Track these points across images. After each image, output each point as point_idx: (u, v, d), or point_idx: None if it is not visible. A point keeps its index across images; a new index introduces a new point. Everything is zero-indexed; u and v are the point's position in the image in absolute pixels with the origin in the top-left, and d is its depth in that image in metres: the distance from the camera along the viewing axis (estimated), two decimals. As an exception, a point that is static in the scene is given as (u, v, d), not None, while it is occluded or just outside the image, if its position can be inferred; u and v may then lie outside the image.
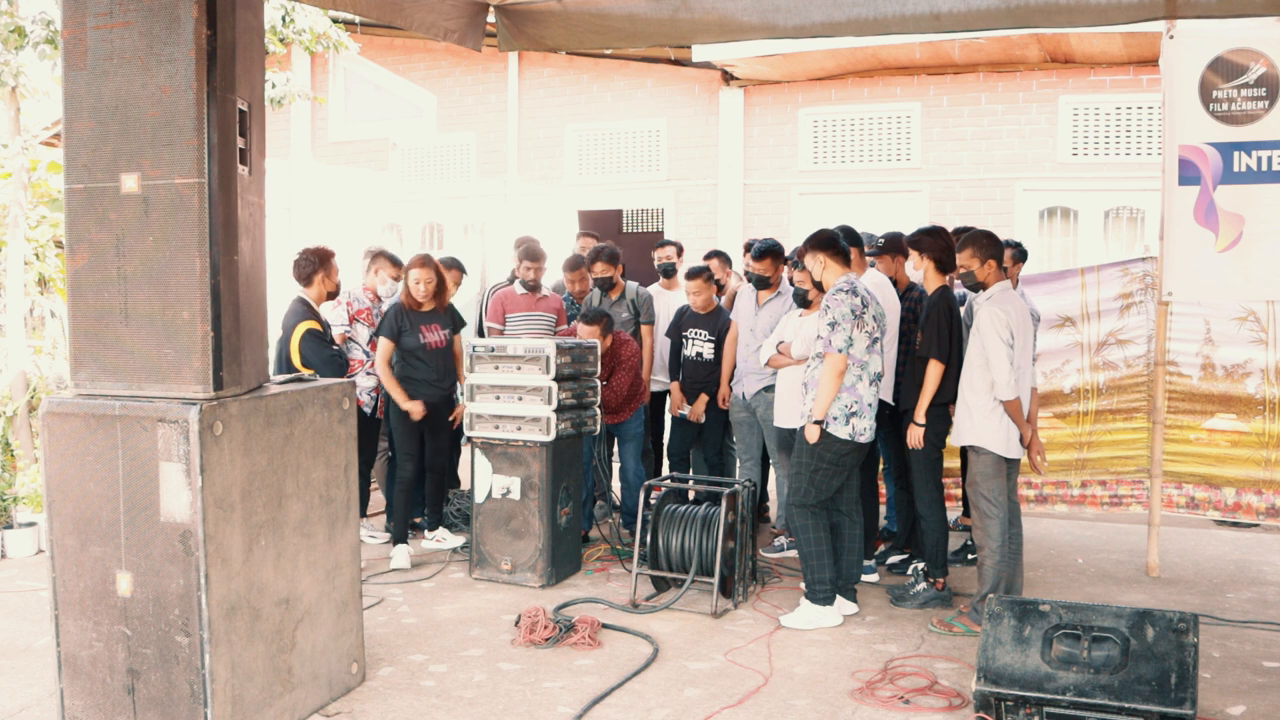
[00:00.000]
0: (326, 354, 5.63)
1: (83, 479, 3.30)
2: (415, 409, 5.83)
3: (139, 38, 3.19)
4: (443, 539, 6.07)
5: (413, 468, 5.97)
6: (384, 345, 5.86)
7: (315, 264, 5.72)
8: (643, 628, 4.75)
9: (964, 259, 4.84)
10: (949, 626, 4.76)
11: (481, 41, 5.26)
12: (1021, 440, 4.79)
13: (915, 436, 5.04)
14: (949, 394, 4.95)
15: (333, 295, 5.89)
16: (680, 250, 7.33)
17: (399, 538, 5.88)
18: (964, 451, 4.92)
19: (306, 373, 5.43)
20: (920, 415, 5.01)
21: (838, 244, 4.90)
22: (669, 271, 7.02)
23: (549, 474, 5.43)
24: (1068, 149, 9.01)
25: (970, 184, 9.27)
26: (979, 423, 4.73)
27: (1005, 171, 9.17)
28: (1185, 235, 5.56)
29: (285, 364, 5.62)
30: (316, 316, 5.73)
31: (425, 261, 5.93)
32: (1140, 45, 8.02)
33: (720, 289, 7.06)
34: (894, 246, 5.75)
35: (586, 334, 6.00)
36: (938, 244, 5.06)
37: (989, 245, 4.80)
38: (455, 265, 6.77)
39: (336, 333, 6.15)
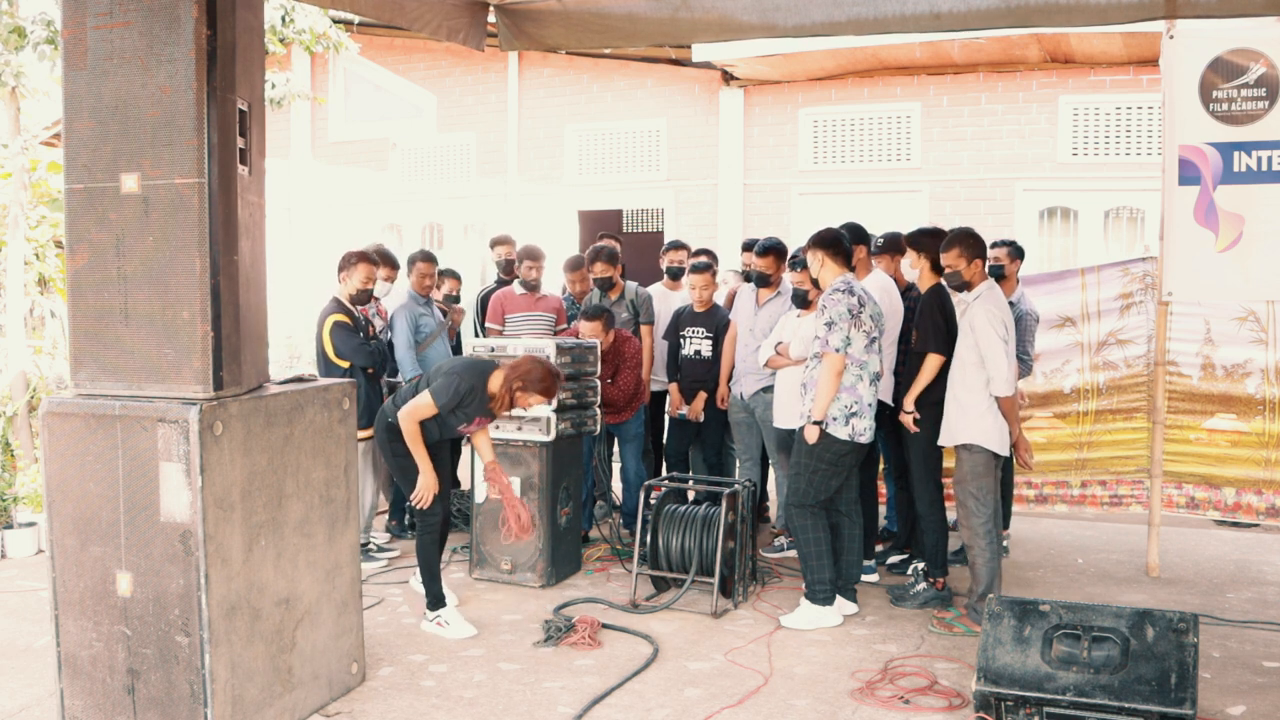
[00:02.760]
0: (355, 343, 5.67)
1: (83, 479, 3.30)
2: (428, 489, 4.59)
3: (139, 38, 3.19)
4: (446, 621, 4.71)
5: (439, 529, 4.80)
6: (425, 406, 4.49)
7: (341, 265, 5.85)
8: (643, 628, 4.75)
9: (950, 259, 4.84)
10: (949, 626, 4.76)
11: (484, 41, 5.24)
12: (1009, 437, 4.81)
13: (909, 422, 5.04)
14: (944, 391, 4.95)
15: (357, 299, 5.80)
16: (690, 254, 7.33)
17: (437, 601, 4.75)
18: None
19: (342, 364, 5.58)
20: (910, 403, 5.02)
21: (840, 244, 4.89)
22: (677, 274, 6.99)
23: (549, 474, 5.43)
24: (1068, 149, 9.01)
25: (970, 184, 9.27)
26: (974, 421, 4.73)
27: (1005, 171, 9.17)
28: (1185, 235, 5.56)
29: (321, 358, 5.72)
30: (344, 310, 5.74)
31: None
32: (1140, 45, 8.02)
33: None
34: (893, 246, 5.75)
35: (588, 331, 5.98)
36: (936, 245, 5.06)
37: (975, 245, 4.82)
38: (426, 258, 6.44)
39: None
